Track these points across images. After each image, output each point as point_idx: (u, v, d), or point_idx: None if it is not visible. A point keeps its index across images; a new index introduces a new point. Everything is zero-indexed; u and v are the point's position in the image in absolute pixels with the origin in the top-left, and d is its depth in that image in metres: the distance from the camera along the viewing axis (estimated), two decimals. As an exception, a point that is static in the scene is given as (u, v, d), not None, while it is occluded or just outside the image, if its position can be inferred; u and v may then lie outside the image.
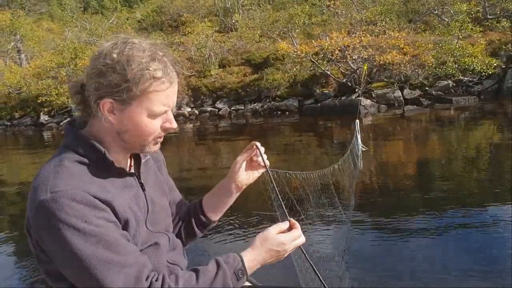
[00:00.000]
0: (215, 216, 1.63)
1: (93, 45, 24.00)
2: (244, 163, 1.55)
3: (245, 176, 1.55)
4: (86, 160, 1.22)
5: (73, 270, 1.12)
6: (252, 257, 1.28)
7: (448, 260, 3.98)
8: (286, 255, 1.34)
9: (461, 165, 7.66)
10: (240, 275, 1.22)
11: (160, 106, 1.21)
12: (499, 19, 18.78)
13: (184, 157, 11.62)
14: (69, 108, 20.70)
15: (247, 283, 1.85)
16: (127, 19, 36.61)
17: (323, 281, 1.41)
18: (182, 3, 35.30)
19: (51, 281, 1.25)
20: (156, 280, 1.16)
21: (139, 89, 1.16)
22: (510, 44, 16.32)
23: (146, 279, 1.14)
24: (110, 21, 32.49)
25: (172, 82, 1.22)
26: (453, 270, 3.77)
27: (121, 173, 1.29)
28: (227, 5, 32.16)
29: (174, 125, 1.28)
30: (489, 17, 19.15)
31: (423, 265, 3.89)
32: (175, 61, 1.26)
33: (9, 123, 23.40)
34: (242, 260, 1.26)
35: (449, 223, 4.82)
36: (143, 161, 1.42)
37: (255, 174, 1.58)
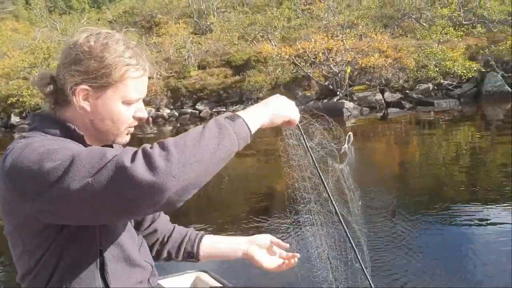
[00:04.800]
0: (204, 259, 1.64)
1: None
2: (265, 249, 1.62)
3: (261, 255, 1.60)
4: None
5: (60, 181, 0.99)
6: (243, 110, 1.19)
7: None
8: (279, 107, 1.24)
9: (443, 166, 7.83)
10: (233, 117, 1.11)
11: (134, 93, 1.22)
12: (474, 25, 19.33)
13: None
14: (42, 110, 19.97)
15: (219, 284, 1.82)
16: (98, 20, 35.88)
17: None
18: (155, 4, 34.91)
19: (29, 256, 1.15)
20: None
21: (116, 75, 1.18)
22: (487, 49, 16.79)
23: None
24: (82, 21, 31.68)
25: (145, 70, 1.24)
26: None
27: None
28: (202, 7, 31.99)
29: (145, 114, 1.30)
30: (464, 22, 19.68)
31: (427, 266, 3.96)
32: (146, 54, 1.27)
33: (-24, 125, 22.42)
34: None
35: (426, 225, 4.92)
36: None
37: (270, 262, 1.61)
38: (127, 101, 1.22)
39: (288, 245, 1.61)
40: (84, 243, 1.16)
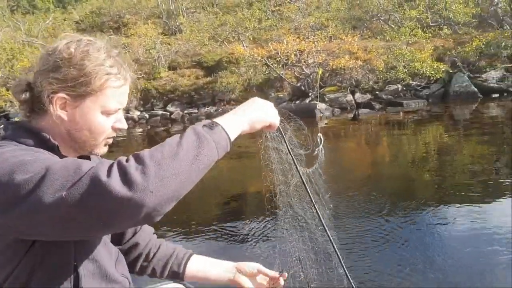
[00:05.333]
0: (189, 279, 1.62)
1: (31, 46, 22.63)
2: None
3: (248, 283, 1.59)
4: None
5: (34, 192, 0.94)
6: (221, 117, 1.15)
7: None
8: (258, 113, 1.21)
9: (412, 165, 7.98)
10: (212, 125, 1.07)
11: (114, 103, 1.19)
12: (441, 26, 19.83)
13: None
14: (6, 113, 19.34)
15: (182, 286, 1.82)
16: (64, 20, 35.02)
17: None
18: (123, 4, 34.38)
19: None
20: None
21: (95, 84, 1.14)
22: (453, 51, 17.23)
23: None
24: (47, 22, 30.83)
25: (126, 79, 1.22)
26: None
27: None
28: (171, 8, 31.68)
29: (125, 125, 1.26)
30: (431, 24, 20.15)
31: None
32: (128, 62, 1.25)
33: None
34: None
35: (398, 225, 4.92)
36: None
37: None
38: (106, 111, 1.18)
39: (276, 273, 1.58)
40: (58, 258, 1.10)
